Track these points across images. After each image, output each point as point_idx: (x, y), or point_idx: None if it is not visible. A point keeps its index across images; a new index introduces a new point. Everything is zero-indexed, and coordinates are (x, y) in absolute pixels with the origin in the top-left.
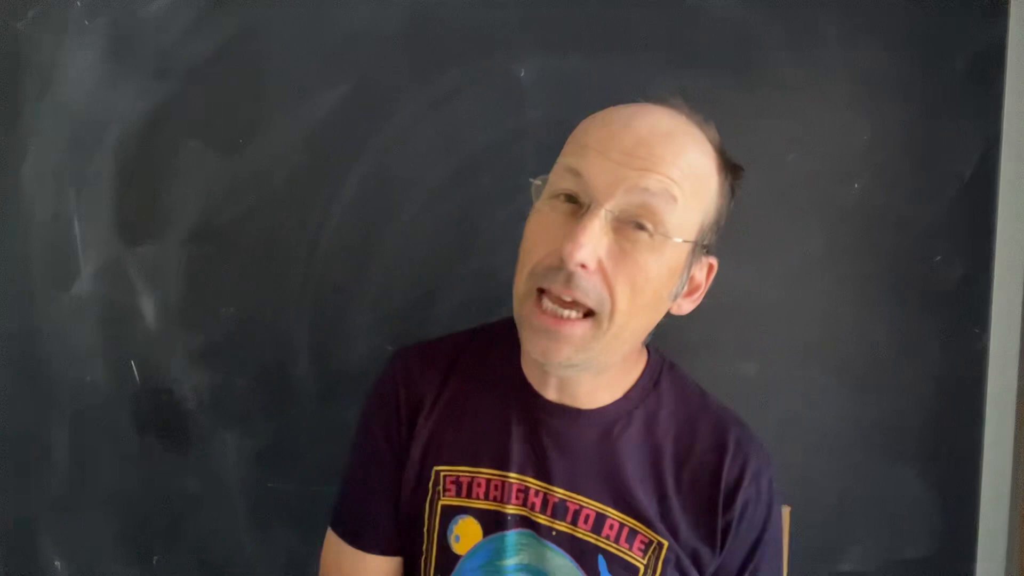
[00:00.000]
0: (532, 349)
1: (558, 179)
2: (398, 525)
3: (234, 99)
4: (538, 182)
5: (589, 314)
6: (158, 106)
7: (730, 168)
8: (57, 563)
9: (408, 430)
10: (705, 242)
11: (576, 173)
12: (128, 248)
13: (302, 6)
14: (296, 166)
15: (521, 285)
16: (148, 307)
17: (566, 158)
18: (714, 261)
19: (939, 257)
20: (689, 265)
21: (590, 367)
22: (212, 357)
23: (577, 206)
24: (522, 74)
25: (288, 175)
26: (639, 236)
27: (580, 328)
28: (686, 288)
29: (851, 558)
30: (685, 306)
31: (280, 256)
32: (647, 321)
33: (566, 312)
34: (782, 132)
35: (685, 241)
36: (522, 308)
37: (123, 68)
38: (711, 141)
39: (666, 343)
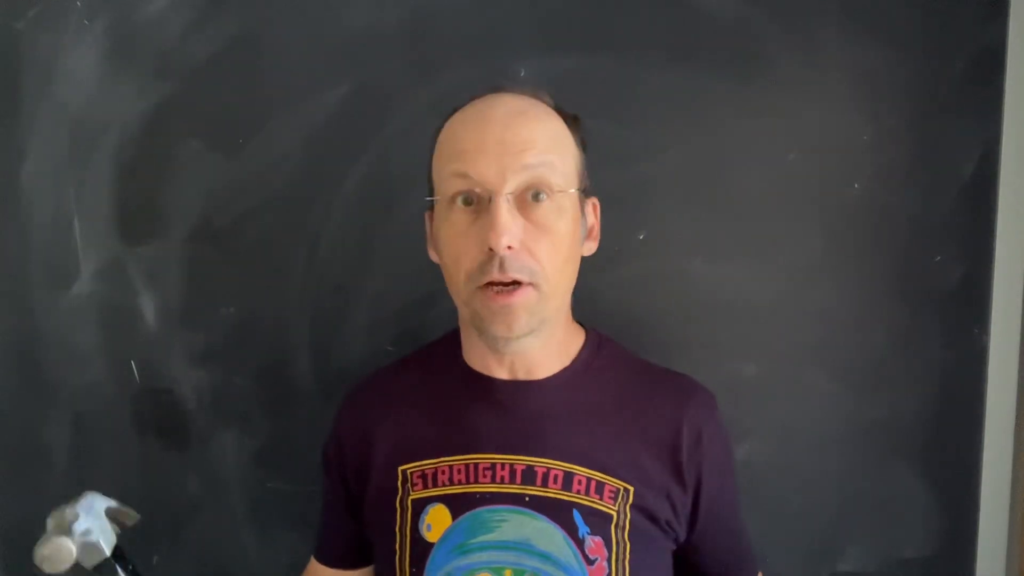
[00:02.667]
0: (495, 328)
1: (448, 186)
2: (360, 546)
3: (234, 99)
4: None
5: (528, 285)
6: (158, 106)
7: (573, 119)
8: None
9: (360, 471)
10: (584, 186)
11: (464, 175)
12: (128, 248)
13: (302, 6)
14: (296, 166)
15: (463, 290)
16: (148, 307)
17: (450, 165)
18: (596, 200)
19: (939, 257)
20: (582, 210)
21: (542, 331)
22: (212, 357)
23: (475, 205)
24: (522, 74)
25: (288, 175)
26: (540, 205)
27: (526, 295)
28: (586, 231)
29: (851, 558)
30: (590, 247)
31: (280, 256)
32: (572, 271)
33: (510, 289)
34: (782, 132)
35: (575, 190)
36: (473, 303)
37: (123, 68)
38: (550, 104)
39: (666, 343)
